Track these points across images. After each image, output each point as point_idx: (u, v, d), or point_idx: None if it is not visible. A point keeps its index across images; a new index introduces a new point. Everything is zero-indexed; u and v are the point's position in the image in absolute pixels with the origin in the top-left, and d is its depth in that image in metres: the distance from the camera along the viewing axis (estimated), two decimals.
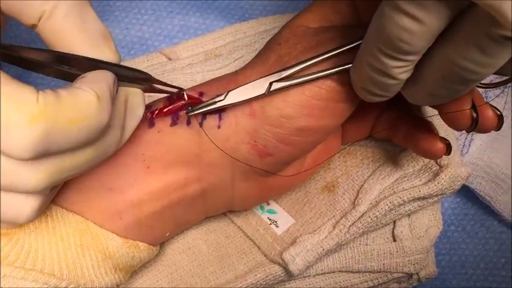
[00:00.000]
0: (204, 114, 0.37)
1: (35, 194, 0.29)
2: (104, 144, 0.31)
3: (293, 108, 0.36)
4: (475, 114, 0.35)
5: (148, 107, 0.38)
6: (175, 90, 0.37)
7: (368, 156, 0.46)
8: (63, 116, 0.27)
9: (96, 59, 0.32)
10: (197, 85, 0.40)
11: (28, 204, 0.29)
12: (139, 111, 0.34)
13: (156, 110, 0.38)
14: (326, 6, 0.39)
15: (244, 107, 0.37)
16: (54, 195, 0.34)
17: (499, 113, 0.36)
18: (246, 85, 0.36)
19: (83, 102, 0.28)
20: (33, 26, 0.31)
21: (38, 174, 0.28)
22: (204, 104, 0.37)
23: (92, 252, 0.35)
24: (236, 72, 0.39)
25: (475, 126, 0.36)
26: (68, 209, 0.35)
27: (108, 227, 0.36)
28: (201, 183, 0.39)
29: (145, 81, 0.35)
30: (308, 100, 0.36)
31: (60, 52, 0.31)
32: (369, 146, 0.46)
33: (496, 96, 0.52)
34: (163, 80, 0.49)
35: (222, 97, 0.36)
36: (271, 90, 0.35)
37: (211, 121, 0.37)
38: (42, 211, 0.31)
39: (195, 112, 0.37)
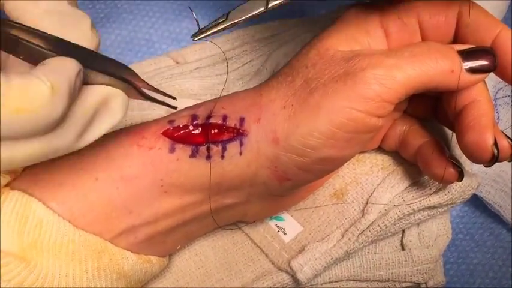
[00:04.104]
0: (225, 145, 0.36)
1: None
2: (53, 142, 0.29)
3: (318, 139, 0.35)
4: (496, 151, 0.35)
5: (169, 121, 0.37)
6: (164, 97, 0.35)
7: (377, 164, 0.46)
8: (9, 105, 0.25)
9: (69, 42, 0.29)
10: (219, 102, 0.38)
11: None
12: (115, 117, 0.32)
13: (178, 129, 0.36)
14: (354, 26, 0.37)
15: (267, 133, 0.36)
16: (77, 218, 0.34)
17: None
18: (245, 4, 0.34)
19: (34, 92, 0.26)
20: None
21: None
22: (207, 28, 0.35)
23: (108, 273, 0.35)
24: (260, 93, 0.38)
25: (494, 162, 0.35)
26: (88, 230, 0.35)
27: (123, 245, 0.36)
28: (216, 203, 0.38)
29: (128, 79, 0.31)
30: (334, 132, 0.35)
31: (29, 27, 0.28)
32: (378, 154, 0.46)
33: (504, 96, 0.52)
34: (172, 84, 0.49)
35: (223, 18, 0.34)
36: (269, 6, 0.34)
37: (232, 149, 0.36)
38: None
39: (200, 37, 0.34)
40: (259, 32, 0.54)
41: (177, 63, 0.52)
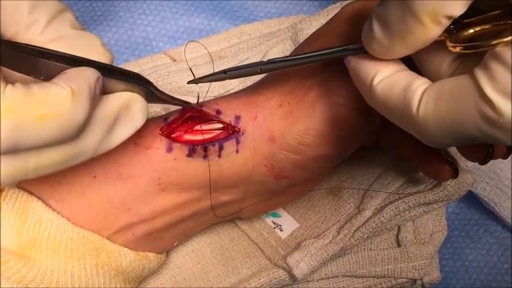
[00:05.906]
0: (221, 143, 0.36)
1: None
2: (78, 147, 0.29)
3: (314, 137, 0.35)
4: (490, 150, 0.35)
5: (165, 119, 0.37)
6: (177, 100, 0.36)
7: (374, 160, 0.46)
8: (33, 112, 0.26)
9: (84, 58, 0.30)
10: (214, 99, 0.39)
11: None
12: (137, 122, 0.32)
13: (175, 127, 0.37)
14: (349, 24, 0.37)
15: (264, 131, 0.36)
16: (76, 216, 0.34)
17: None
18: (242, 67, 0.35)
19: (56, 97, 0.26)
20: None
21: None
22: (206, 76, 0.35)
23: (106, 269, 0.35)
24: (256, 92, 0.38)
25: (489, 160, 0.35)
26: (86, 227, 0.35)
27: (121, 242, 0.36)
28: (214, 200, 0.39)
29: (145, 84, 0.32)
30: (330, 130, 0.35)
31: (47, 49, 0.29)
32: (374, 151, 0.46)
33: None
34: (169, 82, 0.49)
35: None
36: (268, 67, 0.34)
37: (229, 147, 0.36)
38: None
39: (194, 80, 0.35)
40: (256, 30, 0.54)
41: (174, 61, 0.52)
